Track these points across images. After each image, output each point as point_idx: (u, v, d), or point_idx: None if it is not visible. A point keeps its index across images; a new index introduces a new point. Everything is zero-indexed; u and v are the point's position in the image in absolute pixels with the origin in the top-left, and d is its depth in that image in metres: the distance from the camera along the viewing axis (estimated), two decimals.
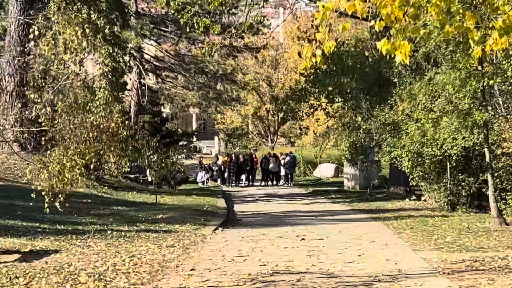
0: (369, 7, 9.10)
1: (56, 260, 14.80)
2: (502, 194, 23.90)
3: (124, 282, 12.47)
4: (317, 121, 53.11)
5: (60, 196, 11.99)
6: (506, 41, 12.07)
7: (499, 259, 14.91)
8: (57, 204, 11.96)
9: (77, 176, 12.86)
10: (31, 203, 17.47)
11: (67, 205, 12.39)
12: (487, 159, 23.30)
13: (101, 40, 39.22)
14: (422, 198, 32.65)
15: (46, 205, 11.84)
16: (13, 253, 15.56)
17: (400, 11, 8.32)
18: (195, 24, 29.76)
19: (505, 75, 23.10)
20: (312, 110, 45.63)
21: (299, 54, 48.27)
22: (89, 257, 15.32)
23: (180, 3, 29.97)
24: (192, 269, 14.15)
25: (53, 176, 12.20)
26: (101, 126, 31.85)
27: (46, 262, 14.56)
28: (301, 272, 13.73)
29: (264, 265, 14.79)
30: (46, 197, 11.91)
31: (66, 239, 17.98)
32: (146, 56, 55.67)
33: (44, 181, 12.27)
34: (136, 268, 14.06)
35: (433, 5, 9.50)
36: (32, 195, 12.89)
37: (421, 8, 9.42)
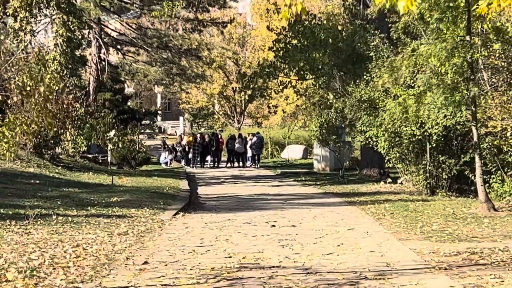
0: None
1: None
2: (485, 177, 22.48)
3: (61, 280, 10.67)
4: (286, 99, 51.74)
5: None
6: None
7: (500, 251, 13.59)
8: None
9: (10, 151, 11.08)
10: None
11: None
12: (475, 138, 22.29)
13: (55, 7, 37.95)
14: (399, 181, 31.97)
15: None
16: None
17: None
18: None
19: (491, 48, 21.95)
20: (281, 87, 43.60)
21: (268, 27, 46.72)
22: (25, 247, 13.71)
23: None
24: (145, 262, 12.49)
25: None
26: (56, 101, 30.35)
27: None
28: (273, 267, 12.14)
29: (230, 257, 13.25)
30: None
31: (3, 225, 16.35)
32: (106, 30, 54.37)
33: None
34: (78, 261, 12.37)
35: None
36: None
37: None
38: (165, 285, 10.60)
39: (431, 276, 11.13)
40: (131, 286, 10.48)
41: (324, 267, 12.00)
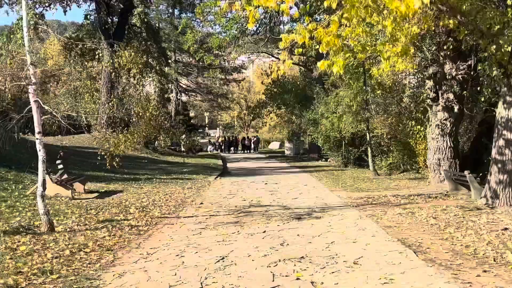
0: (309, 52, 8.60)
1: (119, 198, 13.59)
2: (372, 158, 22.44)
3: (158, 212, 11.11)
4: (271, 119, 52.18)
5: (115, 158, 10.20)
6: (387, 66, 10.63)
7: (382, 197, 13.86)
8: (114, 163, 10.21)
9: (129, 146, 11.07)
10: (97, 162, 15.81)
11: (121, 164, 10.68)
12: (368, 139, 22.43)
13: (154, 73, 37.93)
14: (328, 160, 31.67)
15: (107, 164, 10.13)
16: (94, 192, 14.17)
17: (336, 39, 7.81)
18: (204, 60, 27.91)
19: (376, 93, 22.02)
20: (268, 113, 44.77)
21: (262, 82, 47.32)
22: (139, 195, 14.10)
23: (196, 50, 28.09)
24: (201, 203, 13.00)
25: (111, 145, 10.42)
26: (155, 120, 30.29)
27: (113, 199, 13.35)
28: (267, 205, 12.64)
29: (244, 200, 13.75)
30: (107, 159, 10.10)
31: (128, 184, 16.82)
32: (180, 84, 54.51)
33: (105, 149, 10.50)
34: (166, 203, 12.87)
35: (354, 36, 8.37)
36: (98, 157, 11.20)
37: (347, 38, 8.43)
38: (211, 215, 10.74)
39: (348, 209, 11.37)
40: (194, 215, 10.66)
41: (293, 205, 12.30)
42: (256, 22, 8.29)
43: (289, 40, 8.55)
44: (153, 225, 9.63)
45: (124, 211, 11.08)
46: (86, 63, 34.86)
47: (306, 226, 9.35)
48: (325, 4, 7.95)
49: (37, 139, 9.50)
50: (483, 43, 10.47)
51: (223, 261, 6.66)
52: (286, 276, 5.95)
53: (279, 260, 6.69)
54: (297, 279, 5.83)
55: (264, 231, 8.80)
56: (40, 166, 9.40)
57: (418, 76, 22.19)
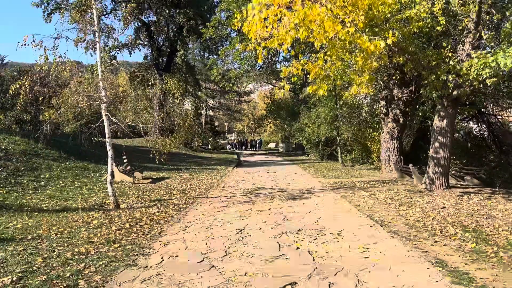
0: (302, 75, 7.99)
1: (166, 182, 12.91)
2: (340, 154, 21.74)
3: (193, 194, 10.50)
4: (270, 127, 51.11)
5: (163, 155, 9.59)
6: (356, 90, 9.99)
7: (350, 182, 13.09)
8: (162, 159, 9.61)
9: (173, 146, 10.46)
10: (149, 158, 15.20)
11: (166, 159, 10.07)
12: (338, 141, 21.69)
13: (190, 96, 37.31)
14: (310, 155, 30.74)
15: (156, 159, 9.52)
16: (149, 178, 13.55)
17: (321, 70, 7.19)
18: (225, 86, 27.14)
19: (345, 108, 21.36)
20: (268, 123, 43.79)
21: (264, 102, 46.30)
22: (180, 181, 13.38)
23: (219, 80, 27.37)
24: (223, 187, 12.22)
25: (160, 145, 9.80)
26: (192, 128, 29.61)
27: (161, 183, 12.68)
28: (270, 188, 11.86)
29: (253, 185, 12.91)
30: (156, 155, 9.49)
31: (173, 172, 16.03)
32: (208, 103, 53.62)
33: (156, 148, 9.87)
34: (199, 187, 12.13)
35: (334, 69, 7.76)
36: (150, 154, 10.48)
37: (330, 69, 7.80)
38: (231, 195, 10.10)
39: (327, 192, 10.68)
40: (218, 196, 10.01)
41: (288, 188, 11.58)
42: (263, 59, 7.63)
43: (287, 71, 7.99)
44: (190, 203, 9.02)
45: (169, 193, 10.45)
46: (144, 89, 34.25)
47: (299, 204, 8.73)
48: (316, 44, 7.42)
49: (106, 142, 8.95)
50: (425, 73, 9.84)
51: (241, 233, 6.06)
52: (289, 246, 5.34)
53: (282, 232, 6.09)
54: (297, 248, 5.23)
55: (269, 209, 8.19)
56: (109, 161, 8.83)
57: (373, 98, 21.65)
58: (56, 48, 8.56)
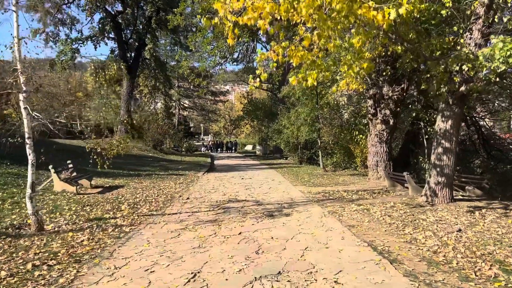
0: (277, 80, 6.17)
1: (118, 192, 10.65)
2: (321, 158, 20.26)
3: (146, 209, 8.34)
4: (247, 129, 49.33)
5: (107, 160, 7.57)
6: (343, 85, 8.47)
7: (336, 192, 11.35)
8: (105, 166, 7.63)
9: (120, 150, 8.42)
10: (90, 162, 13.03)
11: (108, 163, 8.01)
12: (319, 144, 20.09)
13: (160, 94, 34.95)
14: (288, 159, 29.12)
15: (99, 165, 7.50)
16: (99, 187, 11.31)
17: (308, 54, 5.78)
18: (194, 81, 25.19)
19: (326, 109, 19.92)
20: (245, 124, 42.06)
21: (240, 102, 44.42)
22: (136, 190, 11.14)
23: (188, 74, 25.30)
24: (187, 198, 10.07)
25: (103, 148, 7.77)
26: (162, 129, 27.44)
27: (112, 194, 10.43)
28: (243, 200, 9.85)
29: (224, 195, 10.86)
30: (98, 160, 7.47)
31: (131, 179, 13.75)
32: (182, 103, 51.21)
33: (97, 151, 7.80)
34: (157, 198, 9.89)
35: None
36: (90, 159, 8.58)
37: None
38: (194, 211, 8.08)
39: (311, 205, 8.86)
40: (178, 212, 7.97)
41: (265, 200, 9.62)
42: (235, 36, 5.74)
43: (265, 56, 6.22)
44: (137, 224, 6.93)
45: (116, 208, 8.28)
46: (109, 87, 31.55)
47: (278, 225, 6.84)
48: (296, 19, 5.67)
49: (26, 143, 6.78)
50: (431, 64, 8.23)
51: (194, 281, 4.14)
52: None
53: (255, 278, 4.21)
54: None
55: (240, 233, 6.26)
56: (29, 169, 6.67)
57: (357, 98, 20.21)
58: None
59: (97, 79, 29.81)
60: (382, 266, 4.60)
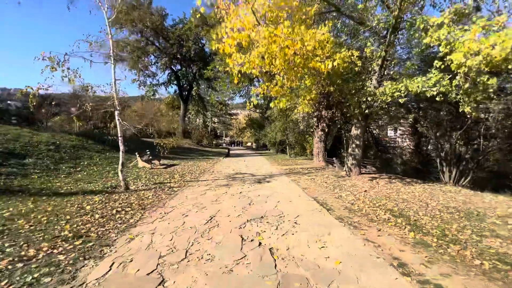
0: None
1: (174, 168, 9.97)
2: (288, 150, 19.70)
3: (189, 177, 7.74)
4: (248, 133, 48.09)
5: (166, 150, 6.99)
6: (301, 109, 7.75)
7: (296, 169, 10.76)
8: (164, 153, 7.07)
9: (170, 145, 7.85)
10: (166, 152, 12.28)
11: (168, 153, 7.45)
12: (287, 142, 19.39)
13: (200, 115, 34.12)
14: (270, 150, 28.36)
15: (160, 152, 6.95)
16: (164, 165, 10.61)
17: (280, 89, 5.02)
18: (214, 104, 24.30)
19: (291, 123, 19.22)
20: (247, 131, 40.64)
21: (244, 119, 43.10)
22: (184, 167, 10.47)
23: (214, 102, 24.57)
24: (213, 171, 9.43)
25: (163, 144, 7.17)
26: (201, 133, 26.36)
27: (171, 169, 9.78)
28: (244, 173, 9.20)
29: (233, 170, 10.21)
30: (160, 149, 6.87)
31: (182, 160, 12.97)
32: (213, 119, 50.15)
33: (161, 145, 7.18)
34: (196, 171, 9.26)
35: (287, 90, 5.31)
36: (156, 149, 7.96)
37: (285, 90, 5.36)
38: (215, 178, 7.61)
39: (283, 176, 8.28)
40: (207, 180, 7.45)
41: (256, 173, 9.05)
42: (238, 80, 5.23)
43: (255, 91, 5.77)
44: (182, 186, 6.47)
45: (171, 177, 7.78)
46: (174, 111, 30.79)
47: (263, 188, 6.43)
48: (274, 71, 5.18)
49: (119, 140, 6.30)
50: (349, 97, 7.82)
51: (210, 222, 3.71)
52: (251, 241, 3.06)
53: (247, 220, 3.79)
54: (259, 244, 2.96)
55: (240, 192, 5.86)
56: (121, 155, 6.17)
57: (306, 117, 19.70)
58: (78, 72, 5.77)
59: (167, 106, 29.10)
60: (322, 212, 4.20)
